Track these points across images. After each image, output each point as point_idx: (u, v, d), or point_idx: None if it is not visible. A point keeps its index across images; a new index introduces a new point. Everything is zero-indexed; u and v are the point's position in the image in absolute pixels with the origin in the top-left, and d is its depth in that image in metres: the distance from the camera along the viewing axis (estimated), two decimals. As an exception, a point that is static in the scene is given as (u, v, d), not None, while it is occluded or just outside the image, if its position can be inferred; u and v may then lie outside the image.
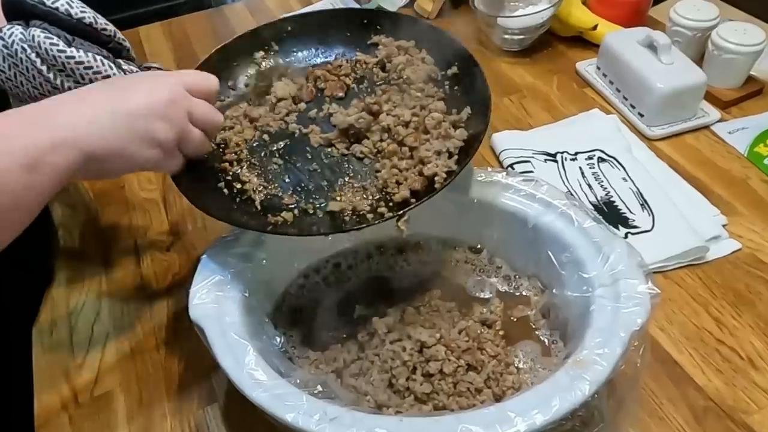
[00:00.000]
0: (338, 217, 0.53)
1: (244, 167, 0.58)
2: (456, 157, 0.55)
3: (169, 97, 0.49)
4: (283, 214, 0.53)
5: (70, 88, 0.54)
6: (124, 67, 0.56)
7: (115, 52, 0.58)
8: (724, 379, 0.57)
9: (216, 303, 0.51)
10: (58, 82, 0.54)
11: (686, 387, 0.56)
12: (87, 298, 0.67)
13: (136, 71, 0.57)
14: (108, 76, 0.54)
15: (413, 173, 0.55)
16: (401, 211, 0.52)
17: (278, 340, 0.53)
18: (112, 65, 0.55)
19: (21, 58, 0.53)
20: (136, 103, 0.48)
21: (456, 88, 0.62)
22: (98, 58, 0.54)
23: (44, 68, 0.53)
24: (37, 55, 0.52)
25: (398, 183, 0.55)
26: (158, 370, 0.60)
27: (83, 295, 0.67)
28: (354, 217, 0.53)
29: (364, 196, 0.55)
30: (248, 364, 0.46)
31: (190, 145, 0.51)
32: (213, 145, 0.58)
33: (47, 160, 0.43)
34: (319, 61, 0.68)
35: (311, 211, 0.54)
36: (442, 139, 0.56)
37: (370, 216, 0.53)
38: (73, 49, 0.53)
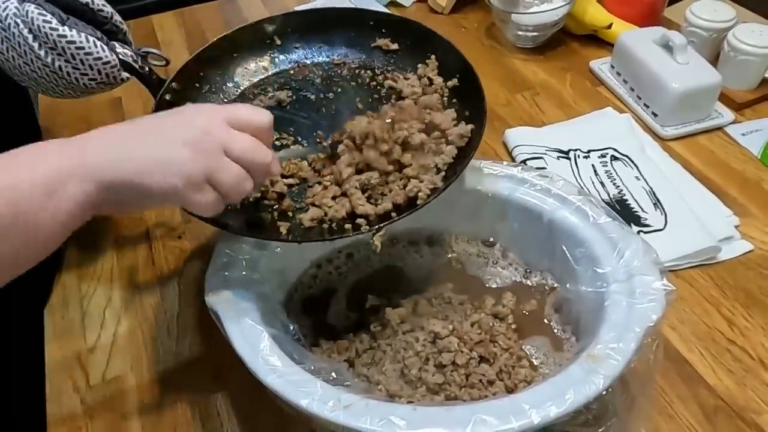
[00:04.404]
0: (316, 224, 0.53)
1: None
2: (443, 173, 0.54)
3: (202, 126, 0.44)
4: (262, 214, 0.53)
5: (60, 68, 0.54)
6: (118, 50, 0.56)
7: (111, 34, 0.57)
8: (735, 379, 0.57)
9: (231, 289, 0.51)
10: (49, 60, 0.53)
11: (697, 386, 0.56)
12: (98, 283, 0.67)
13: (131, 55, 0.57)
14: (99, 58, 0.54)
15: (398, 186, 0.54)
16: (377, 226, 0.51)
17: (291, 327, 0.53)
18: (105, 47, 0.54)
19: (13, 33, 0.52)
20: (163, 133, 0.44)
21: (454, 100, 0.61)
22: (91, 39, 0.53)
23: (36, 45, 0.52)
24: (30, 31, 0.52)
25: (382, 194, 0.54)
26: (169, 356, 0.60)
27: (95, 281, 0.68)
28: (332, 225, 0.52)
29: (345, 204, 0.53)
30: (263, 350, 0.46)
31: (224, 181, 0.44)
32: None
33: (63, 190, 0.40)
34: (320, 59, 0.67)
35: (290, 214, 0.54)
36: (431, 154, 0.55)
37: (347, 226, 0.52)
38: (66, 27, 0.52)
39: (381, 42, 0.66)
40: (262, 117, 0.47)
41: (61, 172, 0.40)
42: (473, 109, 0.58)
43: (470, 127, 0.56)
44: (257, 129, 0.46)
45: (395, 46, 0.66)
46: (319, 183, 0.56)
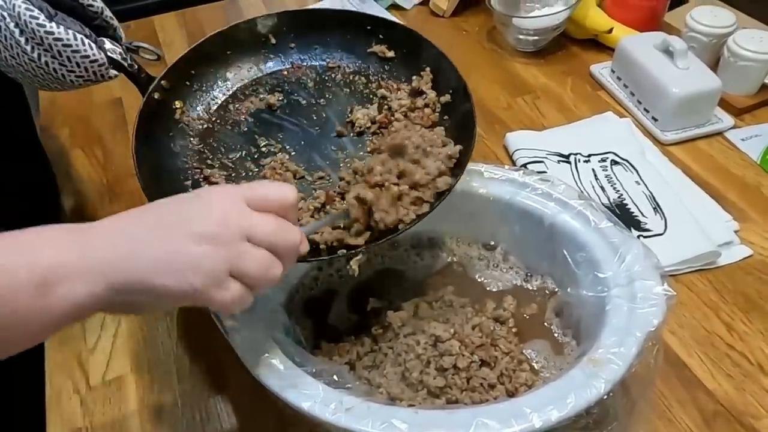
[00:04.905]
0: None
1: (216, 167, 0.57)
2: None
3: (220, 214, 0.39)
4: None
5: (47, 63, 0.53)
6: (107, 46, 0.55)
7: (101, 29, 0.57)
8: (734, 383, 0.57)
9: (232, 291, 0.51)
10: (35, 55, 0.53)
11: (696, 390, 0.56)
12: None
13: (119, 52, 0.57)
14: (87, 56, 0.54)
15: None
16: (354, 251, 0.50)
17: (293, 330, 0.53)
18: (93, 45, 0.54)
19: (0, 26, 0.52)
20: (177, 225, 0.39)
21: (446, 117, 0.60)
22: (79, 36, 0.53)
23: (22, 40, 0.52)
24: (17, 25, 0.51)
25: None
26: (169, 357, 0.60)
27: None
28: (311, 244, 0.51)
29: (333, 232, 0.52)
30: (264, 352, 0.46)
31: (250, 271, 0.39)
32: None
33: (61, 288, 0.36)
34: (315, 62, 0.66)
35: None
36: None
37: (322, 247, 0.51)
38: (53, 24, 0.52)
39: (377, 48, 0.65)
40: (286, 193, 0.42)
41: (60, 268, 0.36)
42: (463, 128, 0.57)
43: (458, 148, 0.55)
44: (281, 207, 0.41)
45: (391, 54, 0.65)
46: (304, 200, 0.55)
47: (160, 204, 0.41)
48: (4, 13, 0.51)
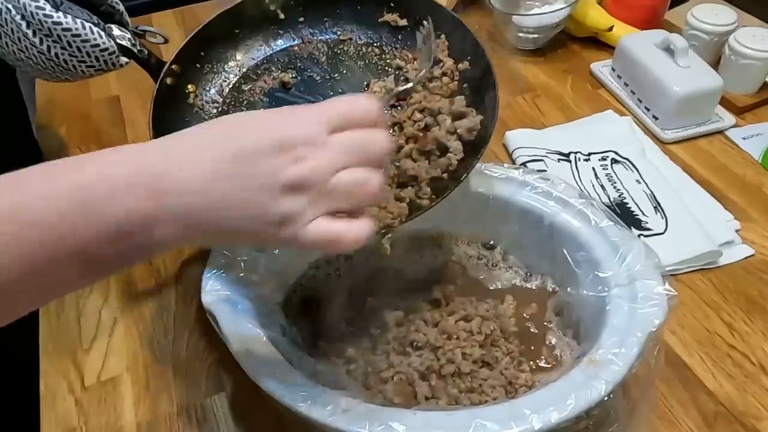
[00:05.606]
0: None
1: None
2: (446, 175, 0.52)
3: (307, 165, 0.35)
4: None
5: (57, 55, 0.53)
6: (116, 33, 0.55)
7: (108, 16, 0.56)
8: (735, 384, 0.56)
9: (228, 290, 0.50)
10: (44, 47, 0.52)
11: (697, 391, 0.56)
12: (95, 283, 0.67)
13: (128, 38, 0.56)
14: (97, 45, 0.53)
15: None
16: (384, 230, 0.49)
17: (290, 330, 0.52)
18: (102, 33, 0.53)
19: (6, 19, 0.51)
20: (262, 173, 0.34)
21: (465, 85, 0.59)
22: (87, 25, 0.52)
23: (30, 32, 0.51)
24: (23, 17, 0.51)
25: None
26: (166, 357, 0.59)
27: (91, 280, 0.67)
28: None
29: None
30: (261, 353, 0.45)
31: (341, 207, 0.36)
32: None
33: (138, 237, 0.33)
34: (325, 36, 0.65)
35: None
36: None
37: None
38: (60, 14, 0.51)
39: (389, 17, 0.63)
40: (369, 109, 0.37)
41: (138, 215, 0.33)
42: (484, 96, 0.55)
43: (479, 118, 0.53)
44: (368, 121, 0.37)
45: (404, 22, 0.63)
46: None
47: (236, 131, 0.36)
48: (9, 6, 0.50)
